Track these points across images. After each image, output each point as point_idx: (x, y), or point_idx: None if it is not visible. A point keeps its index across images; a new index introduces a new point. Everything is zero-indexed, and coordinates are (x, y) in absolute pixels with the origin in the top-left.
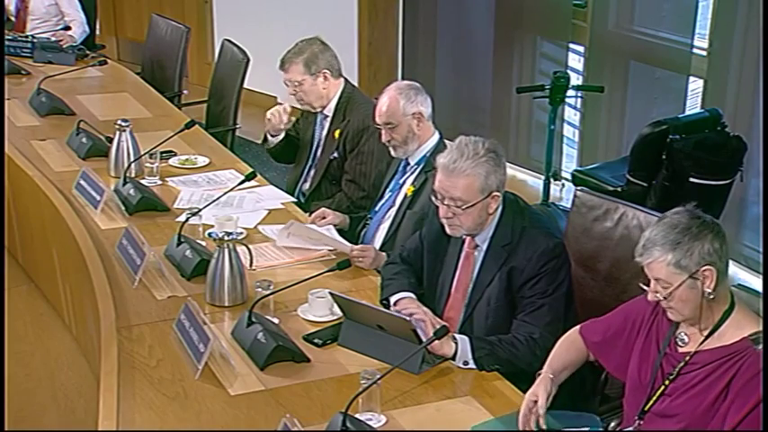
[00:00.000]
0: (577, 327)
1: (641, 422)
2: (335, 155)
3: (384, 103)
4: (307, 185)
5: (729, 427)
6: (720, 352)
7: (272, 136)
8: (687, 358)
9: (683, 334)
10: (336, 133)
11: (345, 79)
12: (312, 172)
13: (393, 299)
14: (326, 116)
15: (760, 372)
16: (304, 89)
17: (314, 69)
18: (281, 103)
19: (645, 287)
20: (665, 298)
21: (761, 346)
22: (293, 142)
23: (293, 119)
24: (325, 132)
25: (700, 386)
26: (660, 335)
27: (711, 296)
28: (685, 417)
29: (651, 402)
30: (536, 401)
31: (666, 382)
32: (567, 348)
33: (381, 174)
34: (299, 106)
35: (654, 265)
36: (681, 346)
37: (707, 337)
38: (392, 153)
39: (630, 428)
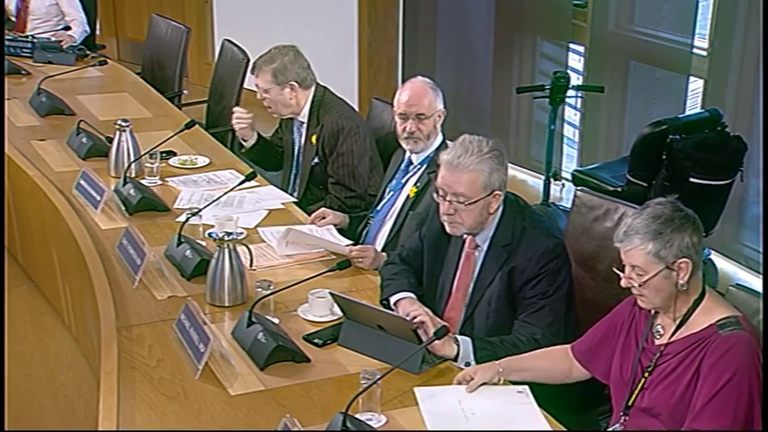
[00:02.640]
0: (566, 347)
1: (626, 418)
2: (317, 160)
3: (416, 94)
4: (296, 194)
5: (699, 406)
6: (689, 340)
7: (244, 141)
8: (662, 349)
9: (659, 326)
10: (313, 139)
11: (317, 83)
12: (298, 180)
13: (393, 299)
14: (302, 122)
15: (725, 353)
16: (270, 97)
17: (281, 80)
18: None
19: (618, 272)
20: (639, 285)
21: (724, 331)
22: (272, 149)
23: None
24: (303, 139)
25: (672, 376)
26: (639, 331)
27: (684, 288)
28: (662, 408)
29: (633, 398)
30: (471, 379)
31: (646, 375)
32: (541, 355)
33: (367, 171)
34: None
35: (633, 252)
36: (657, 338)
37: (678, 327)
38: (406, 145)
39: (617, 426)
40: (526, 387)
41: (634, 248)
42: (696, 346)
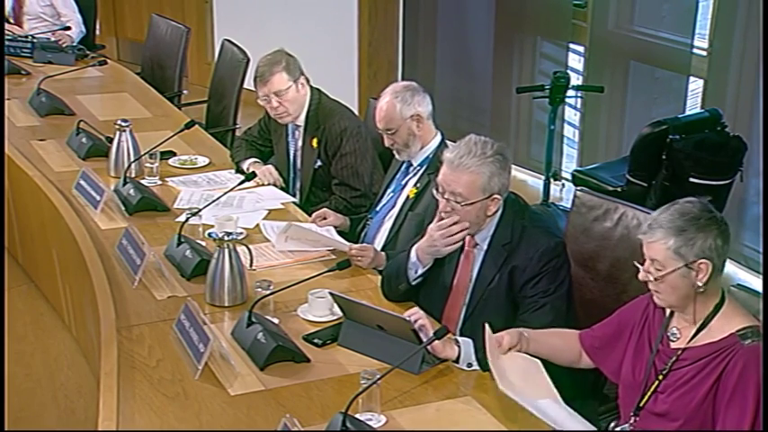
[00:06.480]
0: (577, 331)
1: (636, 419)
2: (319, 163)
3: (381, 110)
4: (296, 198)
5: (747, 427)
6: (709, 348)
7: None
8: (679, 353)
9: (674, 328)
10: (314, 142)
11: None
12: (298, 184)
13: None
14: (298, 126)
15: (751, 365)
16: (288, 98)
17: (295, 75)
18: (257, 161)
19: (638, 266)
20: (655, 279)
21: (748, 342)
22: (257, 149)
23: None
24: (300, 143)
25: (690, 383)
26: (652, 333)
27: (701, 290)
28: (678, 415)
29: (645, 399)
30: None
31: (660, 378)
32: (556, 333)
33: (370, 170)
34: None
35: (654, 245)
36: (673, 341)
37: (697, 332)
38: (396, 156)
39: (626, 426)
40: (537, 361)
41: (656, 241)
42: (717, 355)
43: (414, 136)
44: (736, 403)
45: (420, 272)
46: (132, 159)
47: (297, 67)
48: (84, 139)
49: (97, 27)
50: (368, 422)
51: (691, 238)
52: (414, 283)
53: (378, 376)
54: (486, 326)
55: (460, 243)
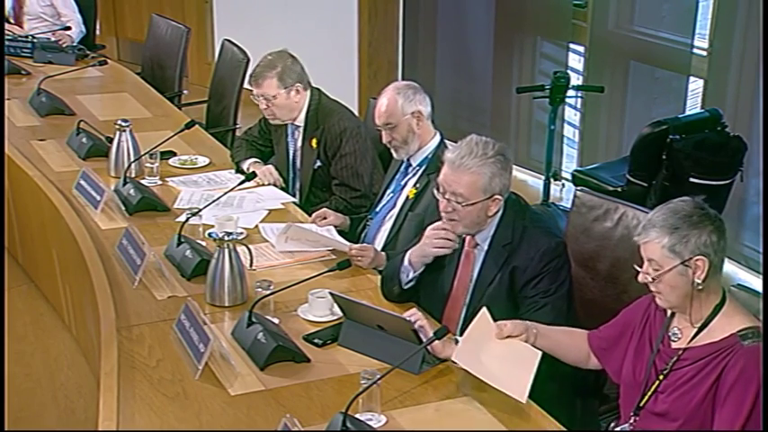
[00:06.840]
0: (586, 332)
1: (636, 419)
2: (319, 163)
3: (383, 104)
4: (296, 197)
5: (738, 426)
6: (709, 348)
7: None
8: (680, 353)
9: (675, 329)
10: (314, 143)
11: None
12: (298, 184)
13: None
14: (297, 126)
15: (750, 366)
16: (277, 104)
17: (288, 83)
18: (257, 161)
19: (638, 268)
20: (653, 279)
21: (748, 342)
22: (257, 149)
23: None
24: (299, 143)
25: (690, 383)
26: (653, 333)
27: (700, 287)
28: (678, 415)
29: (645, 399)
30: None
31: (660, 378)
32: (566, 331)
33: (370, 170)
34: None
35: (649, 245)
36: (674, 341)
37: (698, 332)
38: (394, 155)
39: (626, 426)
40: (539, 353)
41: (650, 241)
42: (717, 355)
43: (413, 133)
44: (732, 402)
45: (411, 276)
46: (132, 159)
47: (293, 74)
48: (84, 139)
49: (97, 27)
50: (368, 422)
51: (684, 236)
52: (406, 287)
53: (378, 376)
54: (484, 308)
55: (450, 250)
